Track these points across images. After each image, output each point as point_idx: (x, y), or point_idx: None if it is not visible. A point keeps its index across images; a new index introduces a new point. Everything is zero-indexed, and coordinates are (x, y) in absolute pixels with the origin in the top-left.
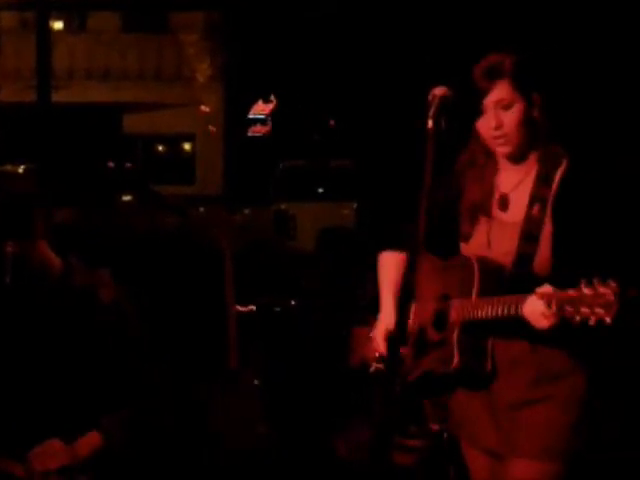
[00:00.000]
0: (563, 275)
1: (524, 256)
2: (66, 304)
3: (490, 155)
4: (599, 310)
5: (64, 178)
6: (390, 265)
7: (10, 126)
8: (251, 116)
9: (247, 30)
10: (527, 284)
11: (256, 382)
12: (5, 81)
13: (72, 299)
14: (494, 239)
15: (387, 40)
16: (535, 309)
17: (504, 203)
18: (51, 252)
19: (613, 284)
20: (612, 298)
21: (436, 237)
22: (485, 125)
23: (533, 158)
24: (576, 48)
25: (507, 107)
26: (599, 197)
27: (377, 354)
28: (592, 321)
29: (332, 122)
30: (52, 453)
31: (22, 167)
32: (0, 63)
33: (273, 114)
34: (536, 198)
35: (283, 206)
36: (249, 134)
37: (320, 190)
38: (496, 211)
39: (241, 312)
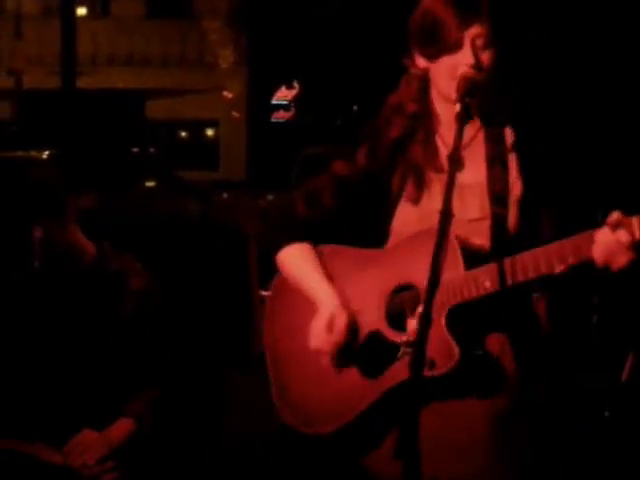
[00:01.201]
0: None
1: (500, 221)
2: (98, 289)
3: (424, 103)
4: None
5: (87, 164)
6: (305, 254)
7: (34, 112)
8: (274, 102)
9: (270, 16)
10: (510, 251)
11: None
12: (28, 67)
13: (104, 284)
14: (455, 205)
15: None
16: (616, 240)
17: (458, 162)
18: (83, 237)
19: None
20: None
21: (353, 218)
22: (457, 63)
23: (479, 116)
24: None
25: (486, 46)
26: (557, 150)
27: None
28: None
29: (355, 108)
30: (88, 445)
31: (46, 153)
32: (23, 50)
33: (296, 100)
34: (494, 156)
35: None
36: (272, 120)
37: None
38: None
39: (265, 297)
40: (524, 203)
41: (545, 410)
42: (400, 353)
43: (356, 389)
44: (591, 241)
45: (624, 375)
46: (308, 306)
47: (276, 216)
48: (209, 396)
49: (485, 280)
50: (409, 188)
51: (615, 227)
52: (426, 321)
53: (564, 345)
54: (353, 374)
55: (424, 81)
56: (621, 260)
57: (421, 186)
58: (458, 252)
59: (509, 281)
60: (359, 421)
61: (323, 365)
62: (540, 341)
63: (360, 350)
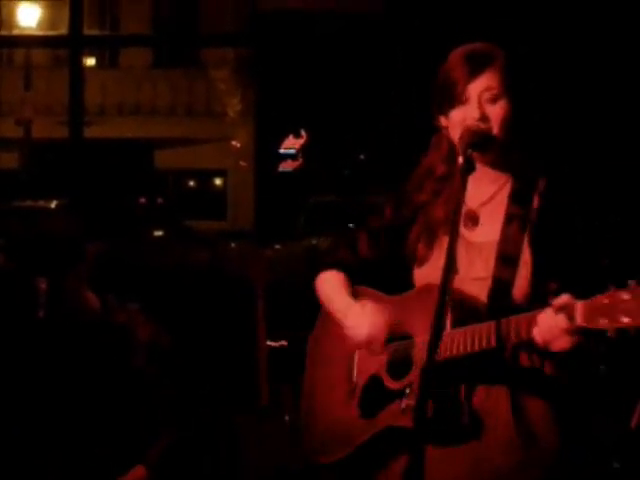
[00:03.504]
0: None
1: (502, 282)
2: (104, 343)
3: (453, 164)
4: (618, 318)
5: (96, 213)
6: (337, 279)
7: (42, 162)
8: (282, 151)
9: (277, 65)
10: (507, 315)
11: (287, 418)
12: (37, 117)
13: (110, 338)
14: (461, 262)
15: (418, 75)
16: (555, 325)
17: (473, 220)
18: (89, 291)
19: None
20: None
21: (384, 269)
22: (464, 116)
23: (507, 171)
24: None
25: (494, 99)
26: (583, 221)
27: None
28: (632, 331)
29: (362, 157)
30: None
31: (54, 203)
32: (32, 99)
33: (304, 149)
34: (513, 216)
35: (314, 241)
36: (280, 169)
37: (351, 225)
38: (463, 229)
39: (272, 347)
40: (535, 267)
41: (555, 462)
42: (403, 404)
43: (355, 425)
44: (534, 322)
45: (634, 422)
46: (339, 334)
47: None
48: (219, 448)
49: (454, 343)
50: (420, 249)
51: (558, 310)
52: (427, 375)
53: (572, 394)
54: (355, 410)
55: (451, 141)
56: (560, 344)
57: (431, 247)
58: (448, 305)
59: (459, 350)
60: (353, 457)
61: (340, 394)
62: (545, 391)
63: (362, 390)
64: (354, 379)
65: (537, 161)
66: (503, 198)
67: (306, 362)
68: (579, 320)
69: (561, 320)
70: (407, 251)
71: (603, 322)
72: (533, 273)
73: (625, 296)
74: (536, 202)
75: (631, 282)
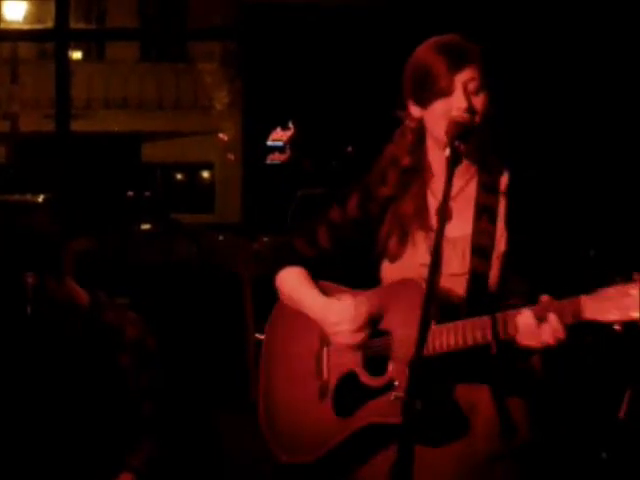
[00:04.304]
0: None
1: (478, 275)
2: (93, 340)
3: (418, 155)
4: (628, 312)
5: (83, 207)
6: (300, 275)
7: (30, 155)
8: (269, 144)
9: (264, 58)
10: (486, 309)
11: None
12: (23, 111)
13: (99, 335)
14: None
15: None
16: (535, 326)
17: (447, 214)
18: (77, 287)
19: None
20: None
21: (346, 263)
22: (449, 108)
23: (474, 163)
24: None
25: (477, 91)
26: (554, 205)
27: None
28: (619, 327)
29: (350, 149)
30: None
31: (41, 197)
32: (18, 93)
33: (291, 141)
34: (483, 208)
35: None
36: (267, 162)
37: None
38: (437, 224)
39: (261, 340)
40: (507, 258)
41: (537, 454)
42: (393, 396)
43: (330, 425)
44: (513, 319)
45: (622, 412)
46: (301, 331)
47: (276, 252)
48: (207, 440)
49: (436, 340)
50: (392, 245)
51: (546, 309)
52: (416, 369)
53: (558, 388)
54: (328, 409)
55: (419, 133)
56: (546, 339)
57: (404, 242)
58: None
59: (442, 348)
60: (330, 456)
61: (307, 392)
62: (530, 388)
63: (335, 388)
64: (325, 376)
65: (502, 153)
66: (472, 191)
67: (260, 360)
68: (587, 314)
69: (554, 321)
70: (377, 247)
71: (613, 316)
72: (504, 267)
73: (633, 290)
74: (503, 196)
75: (637, 275)
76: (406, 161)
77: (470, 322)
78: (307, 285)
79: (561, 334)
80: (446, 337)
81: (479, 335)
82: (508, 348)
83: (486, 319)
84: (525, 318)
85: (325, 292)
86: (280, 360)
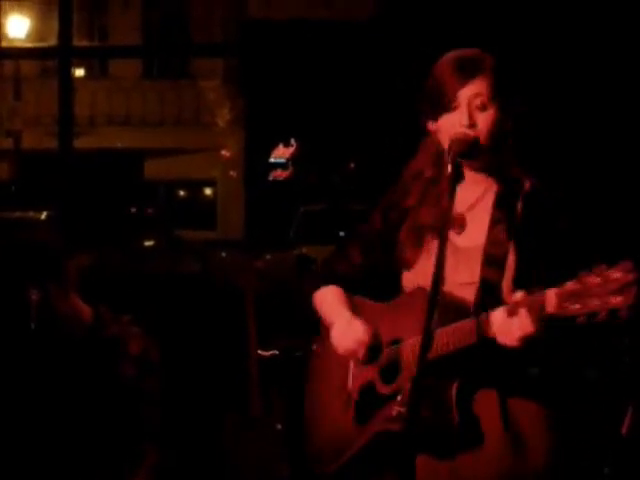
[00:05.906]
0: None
1: (489, 283)
2: (96, 354)
3: (440, 167)
4: (613, 298)
5: (86, 223)
6: (335, 293)
7: (32, 172)
8: (272, 160)
9: (267, 75)
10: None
11: (279, 427)
12: (26, 128)
13: (102, 350)
14: (448, 267)
15: (408, 85)
16: (509, 322)
17: (461, 224)
18: (81, 302)
19: (627, 264)
20: (630, 278)
21: (377, 275)
22: (453, 123)
23: (493, 175)
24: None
25: (483, 107)
26: (566, 225)
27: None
28: (603, 315)
29: (352, 165)
30: None
31: (44, 213)
32: (21, 110)
33: (294, 158)
34: (498, 219)
35: (304, 250)
36: (270, 178)
37: (341, 233)
38: (450, 234)
39: (264, 357)
40: (518, 268)
41: (544, 469)
42: (394, 412)
43: (350, 433)
44: (490, 316)
45: (624, 428)
46: (332, 350)
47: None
48: (209, 453)
49: (441, 341)
50: (407, 252)
51: (519, 304)
52: (418, 381)
53: (561, 400)
54: (350, 418)
55: (440, 145)
56: (527, 330)
57: (419, 251)
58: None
59: (448, 348)
60: (353, 463)
61: (336, 404)
62: (534, 395)
63: (357, 397)
64: (349, 387)
65: (521, 165)
66: (488, 201)
67: (308, 376)
68: (550, 308)
69: (523, 315)
70: (397, 255)
71: (573, 308)
72: (516, 277)
73: (594, 280)
74: (520, 206)
75: (599, 266)
76: (429, 172)
77: (460, 324)
78: (335, 302)
79: (530, 328)
80: (442, 340)
81: (467, 337)
82: (494, 348)
83: (473, 320)
84: (498, 314)
85: (357, 308)
86: (321, 375)
